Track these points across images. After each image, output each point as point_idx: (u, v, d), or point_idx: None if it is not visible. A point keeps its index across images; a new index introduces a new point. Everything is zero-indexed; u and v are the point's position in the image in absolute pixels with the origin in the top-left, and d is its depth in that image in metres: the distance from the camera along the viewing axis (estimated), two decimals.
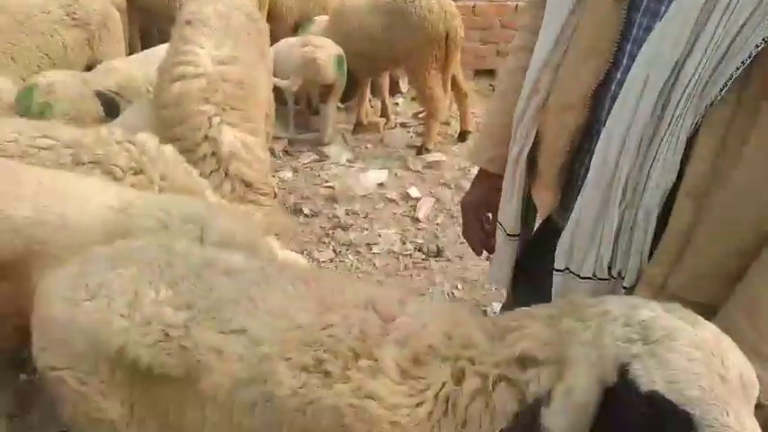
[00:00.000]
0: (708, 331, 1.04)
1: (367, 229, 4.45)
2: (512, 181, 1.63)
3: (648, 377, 0.98)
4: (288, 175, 5.13)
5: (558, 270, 1.47)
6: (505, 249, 1.72)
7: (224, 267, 1.59)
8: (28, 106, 3.56)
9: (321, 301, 1.46)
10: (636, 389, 0.99)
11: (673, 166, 1.25)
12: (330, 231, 4.42)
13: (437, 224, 4.49)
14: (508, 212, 1.66)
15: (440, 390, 1.27)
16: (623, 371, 1.01)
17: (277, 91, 4.69)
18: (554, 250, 1.47)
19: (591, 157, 1.37)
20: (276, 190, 4.39)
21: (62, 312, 1.57)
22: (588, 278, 1.41)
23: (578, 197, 1.40)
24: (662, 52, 1.22)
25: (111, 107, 3.59)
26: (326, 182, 5.01)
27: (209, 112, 2.97)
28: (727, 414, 0.95)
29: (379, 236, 4.34)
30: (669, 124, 1.23)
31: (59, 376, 1.59)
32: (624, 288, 1.38)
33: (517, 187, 1.61)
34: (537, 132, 1.52)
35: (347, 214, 4.62)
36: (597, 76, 1.37)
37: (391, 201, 4.80)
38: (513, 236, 1.69)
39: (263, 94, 3.64)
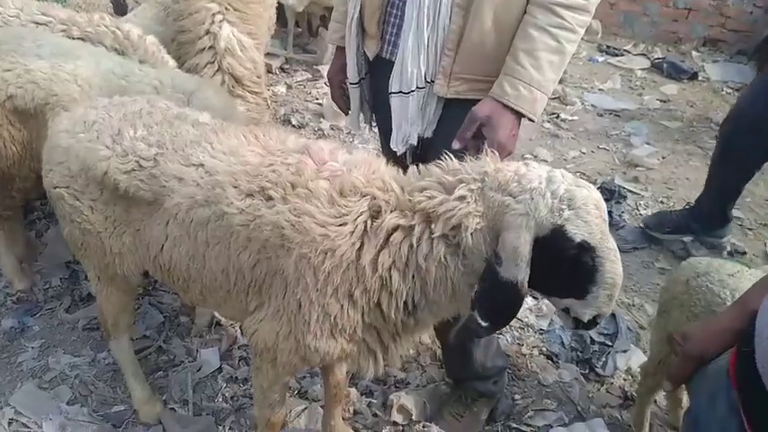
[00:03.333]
0: (594, 191, 1.47)
1: (347, 143, 4.73)
2: (349, 41, 2.12)
3: (579, 233, 1.41)
4: (282, 90, 5.37)
5: (393, 93, 1.93)
6: (353, 97, 2.23)
7: (192, 120, 1.91)
8: None
9: (266, 147, 1.77)
10: (572, 241, 1.42)
11: None
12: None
13: None
14: (350, 67, 2.16)
15: (358, 216, 1.59)
16: (559, 229, 1.41)
17: (279, 11, 4.87)
18: (383, 81, 1.98)
19: (398, 8, 1.91)
20: (269, 102, 4.64)
21: (64, 141, 1.90)
22: (412, 91, 1.89)
23: (401, 35, 1.88)
24: None
25: (119, 5, 3.78)
26: (316, 99, 5.26)
27: (213, 9, 3.17)
28: (608, 241, 1.45)
29: (357, 148, 4.63)
30: None
31: (60, 193, 1.93)
32: (430, 82, 1.92)
33: (353, 44, 2.11)
34: (361, 3, 2.03)
35: (332, 129, 4.90)
36: None
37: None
38: (355, 83, 2.18)
39: (268, 1, 3.80)
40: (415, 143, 2.03)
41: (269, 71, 5.20)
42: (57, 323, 2.97)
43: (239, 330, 2.94)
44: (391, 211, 1.57)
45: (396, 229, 1.56)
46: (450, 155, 1.63)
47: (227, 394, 2.67)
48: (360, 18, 2.07)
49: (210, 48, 3.16)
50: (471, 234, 1.47)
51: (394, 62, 1.95)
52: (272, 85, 5.26)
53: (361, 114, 2.29)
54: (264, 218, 1.64)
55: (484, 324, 1.49)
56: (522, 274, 1.42)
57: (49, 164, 1.96)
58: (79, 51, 2.50)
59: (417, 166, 1.68)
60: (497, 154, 1.59)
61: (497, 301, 1.48)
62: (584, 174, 4.48)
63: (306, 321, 1.68)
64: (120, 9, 3.73)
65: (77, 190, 1.90)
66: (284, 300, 1.71)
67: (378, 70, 2.12)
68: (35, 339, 2.87)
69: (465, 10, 1.81)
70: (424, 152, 2.01)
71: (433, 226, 1.52)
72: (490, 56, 1.86)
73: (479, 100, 1.90)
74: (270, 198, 1.66)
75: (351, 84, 2.20)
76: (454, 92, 1.91)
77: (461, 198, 1.49)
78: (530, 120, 1.86)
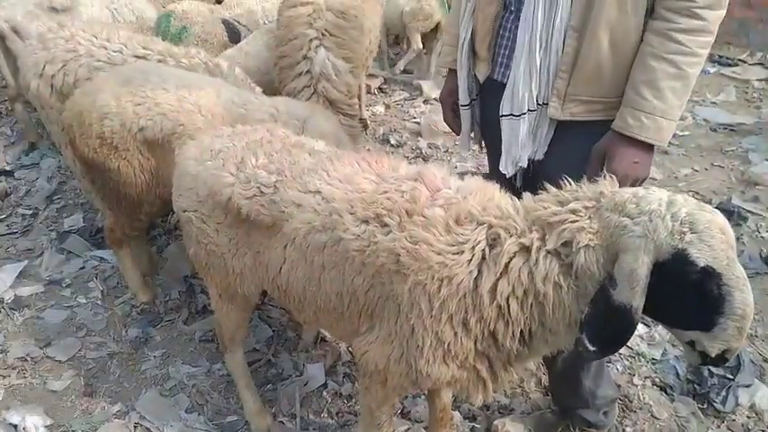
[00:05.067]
0: (719, 216, 1.39)
1: (444, 161, 4.72)
2: (461, 64, 2.13)
3: (703, 257, 1.34)
4: (380, 109, 5.46)
5: (504, 115, 1.92)
6: (464, 118, 2.22)
7: (309, 148, 1.97)
8: (166, 30, 4.06)
9: (380, 174, 1.80)
10: (695, 265, 1.35)
11: (566, 9, 1.77)
12: (412, 161, 4.72)
13: None
14: (461, 89, 2.17)
15: (476, 245, 1.58)
16: (680, 253, 1.35)
17: None
18: (494, 103, 1.99)
19: (510, 31, 1.93)
20: (369, 122, 4.72)
21: (193, 168, 2.02)
22: (523, 114, 1.86)
23: (512, 57, 1.88)
24: None
25: (233, 33, 4.02)
26: (414, 117, 5.29)
27: (310, 35, 3.29)
28: (736, 269, 1.37)
29: (456, 167, 4.60)
30: None
31: (188, 216, 2.06)
32: (543, 105, 1.88)
33: (465, 66, 2.12)
34: (473, 27, 2.05)
35: (429, 147, 4.90)
36: None
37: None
38: (466, 105, 2.17)
39: (368, 26, 3.84)
40: (525, 166, 1.99)
41: (368, 92, 5.30)
42: (176, 334, 3.16)
43: (343, 347, 2.99)
44: (510, 236, 1.56)
45: (515, 254, 1.54)
46: (569, 179, 1.59)
47: (332, 410, 2.71)
48: (471, 41, 2.07)
49: (307, 72, 3.27)
50: (583, 251, 1.43)
51: (506, 84, 1.93)
52: (370, 105, 5.36)
53: (472, 135, 2.29)
54: (380, 244, 1.66)
55: (591, 348, 1.43)
56: (637, 299, 1.36)
57: (178, 189, 2.10)
58: (201, 83, 2.67)
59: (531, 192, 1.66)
60: (615, 179, 1.54)
61: (608, 326, 1.41)
62: (697, 193, 4.20)
63: (418, 347, 1.68)
64: (233, 37, 3.95)
65: (204, 214, 2.01)
66: (397, 324, 1.71)
67: (489, 92, 2.11)
68: (157, 349, 3.06)
69: (579, 32, 1.77)
70: (535, 174, 1.97)
71: (546, 238, 1.49)
72: (607, 77, 1.81)
73: (593, 122, 1.86)
74: (385, 225, 1.68)
75: (462, 105, 2.20)
76: (569, 114, 1.87)
77: (574, 211, 1.48)
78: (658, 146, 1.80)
